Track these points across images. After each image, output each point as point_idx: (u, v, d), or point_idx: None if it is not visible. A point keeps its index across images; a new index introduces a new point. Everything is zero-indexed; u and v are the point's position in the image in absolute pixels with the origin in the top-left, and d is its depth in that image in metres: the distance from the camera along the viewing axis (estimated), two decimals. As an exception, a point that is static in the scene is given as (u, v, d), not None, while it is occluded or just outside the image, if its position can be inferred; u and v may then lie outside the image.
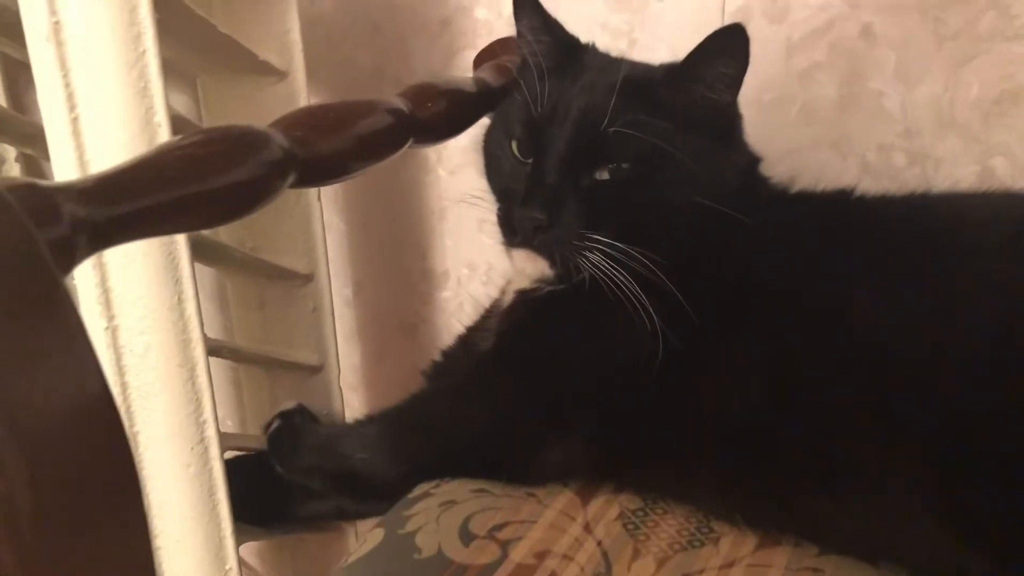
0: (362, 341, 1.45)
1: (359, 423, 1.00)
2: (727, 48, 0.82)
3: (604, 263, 0.82)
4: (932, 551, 0.70)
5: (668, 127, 0.84)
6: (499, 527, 0.78)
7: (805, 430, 0.74)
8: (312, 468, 0.96)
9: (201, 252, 0.94)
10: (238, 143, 0.65)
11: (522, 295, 0.92)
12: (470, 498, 0.83)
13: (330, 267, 1.41)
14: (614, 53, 1.00)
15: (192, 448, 0.91)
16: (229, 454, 1.02)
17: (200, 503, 0.93)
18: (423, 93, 0.86)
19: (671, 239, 0.84)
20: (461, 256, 1.34)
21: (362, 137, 0.75)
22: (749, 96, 1.11)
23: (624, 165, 0.84)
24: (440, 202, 1.32)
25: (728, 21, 1.10)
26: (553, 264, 0.86)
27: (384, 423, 0.94)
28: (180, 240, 0.85)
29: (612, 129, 0.83)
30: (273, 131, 0.69)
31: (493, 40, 1.09)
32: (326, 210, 1.37)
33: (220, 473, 0.93)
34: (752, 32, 1.11)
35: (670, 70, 0.86)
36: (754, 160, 0.94)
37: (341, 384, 1.17)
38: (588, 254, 0.83)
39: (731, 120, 0.90)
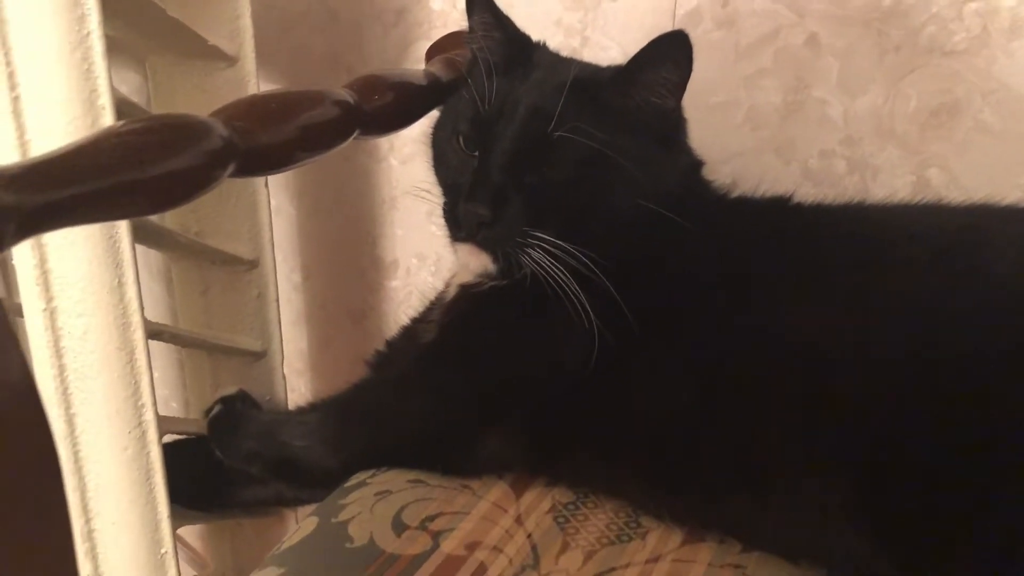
0: (309, 327, 1.45)
1: (300, 411, 1.01)
2: (670, 55, 0.84)
3: (545, 260, 0.83)
4: (848, 551, 0.73)
5: (613, 132, 0.85)
6: (432, 518, 0.80)
7: (729, 432, 0.77)
8: (252, 454, 0.97)
9: (144, 235, 0.94)
10: (178, 132, 0.65)
11: (465, 289, 0.93)
12: (405, 488, 0.84)
13: (279, 253, 1.41)
14: (566, 51, 1.01)
15: (130, 431, 0.91)
16: (169, 437, 1.02)
17: (137, 486, 0.93)
18: (370, 85, 0.86)
19: (612, 240, 0.85)
20: (411, 246, 1.35)
21: (306, 128, 0.75)
22: (696, 99, 1.14)
23: (568, 167, 0.85)
24: (391, 191, 1.32)
25: (679, 24, 1.13)
26: (495, 260, 0.88)
27: (324, 412, 0.95)
28: (122, 223, 0.85)
29: (558, 133, 0.84)
30: (214, 121, 0.69)
31: (447, 33, 1.10)
32: (277, 195, 1.37)
33: (158, 457, 0.94)
34: (700, 36, 1.14)
35: (615, 74, 0.88)
36: (696, 164, 0.96)
37: (286, 370, 1.17)
38: (530, 251, 0.84)
39: (674, 124, 0.91)
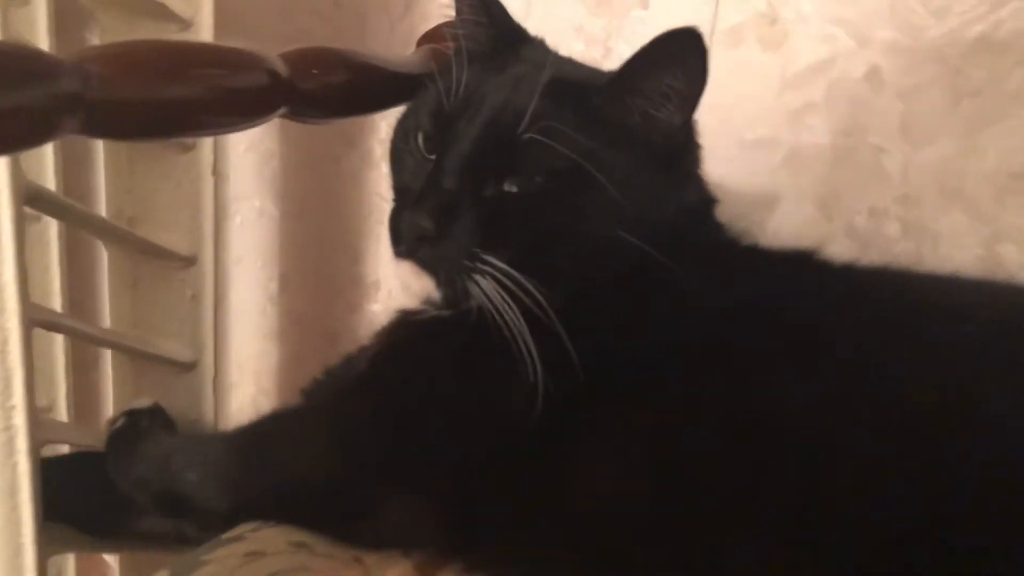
0: (281, 343, 1.31)
1: (207, 438, 0.86)
2: (677, 57, 0.68)
3: (495, 293, 0.68)
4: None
5: (597, 142, 0.70)
6: (297, 596, 0.63)
7: (684, 522, 0.59)
8: (140, 481, 0.83)
9: (43, 205, 0.80)
10: (17, 64, 0.52)
11: (404, 316, 0.77)
12: (284, 551, 0.68)
13: (258, 258, 1.28)
14: (586, 61, 0.85)
15: (-7, 435, 0.77)
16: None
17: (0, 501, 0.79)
18: (313, 59, 0.72)
19: (578, 276, 0.69)
20: (396, 268, 1.20)
21: (192, 92, 0.61)
22: (729, 131, 0.97)
23: (536, 178, 0.70)
24: (380, 202, 1.17)
25: (717, 43, 0.96)
26: (439, 283, 0.72)
27: (227, 443, 0.80)
28: (2, 186, 0.72)
29: (527, 135, 0.69)
30: (71, 62, 0.55)
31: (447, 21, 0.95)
32: (261, 194, 1.24)
33: (27, 469, 0.79)
34: (742, 58, 0.98)
35: (610, 77, 0.72)
36: (706, 200, 0.79)
37: (253, 388, 1.03)
38: (478, 278, 0.69)
39: (680, 147, 0.75)
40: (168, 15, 0.84)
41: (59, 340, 1.06)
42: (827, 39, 0.90)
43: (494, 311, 0.67)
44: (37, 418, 0.80)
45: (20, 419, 0.78)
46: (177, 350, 0.95)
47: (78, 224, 0.85)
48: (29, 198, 0.77)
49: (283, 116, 0.70)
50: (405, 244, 0.71)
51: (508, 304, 0.67)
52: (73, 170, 1.05)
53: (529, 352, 0.65)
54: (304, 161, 1.20)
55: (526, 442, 0.65)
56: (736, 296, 0.69)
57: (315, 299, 1.26)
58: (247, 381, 1.32)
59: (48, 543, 0.84)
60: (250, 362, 1.31)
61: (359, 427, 0.71)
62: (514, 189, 0.70)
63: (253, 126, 0.67)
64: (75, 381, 1.09)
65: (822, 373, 0.60)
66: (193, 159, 0.90)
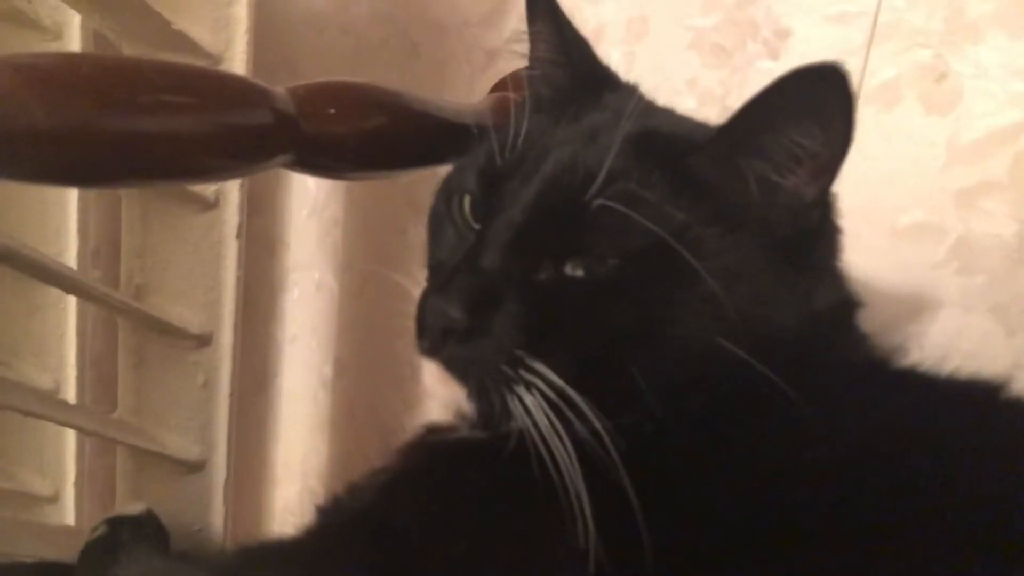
0: (332, 436, 1.14)
1: (191, 567, 0.69)
2: (811, 105, 0.50)
3: (542, 414, 0.49)
4: None
5: (693, 217, 0.51)
6: None
7: None
8: (104, 611, 0.66)
9: (18, 264, 0.66)
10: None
11: (427, 434, 0.59)
12: None
13: (313, 337, 1.13)
14: (696, 118, 0.66)
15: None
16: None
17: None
18: (332, 95, 0.56)
19: (657, 400, 0.50)
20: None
21: (153, 125, 0.46)
22: (878, 214, 0.76)
23: (609, 260, 0.51)
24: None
25: (868, 100, 0.76)
26: (469, 394, 0.54)
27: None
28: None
29: (598, 201, 0.51)
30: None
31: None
32: (320, 264, 1.09)
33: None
34: (898, 123, 0.77)
35: (717, 130, 0.53)
36: (845, 304, 0.59)
37: (299, 486, 0.86)
38: (522, 392, 0.50)
39: (811, 230, 0.55)
40: (194, 48, 0.70)
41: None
42: (1014, 99, 0.69)
43: (539, 440, 0.49)
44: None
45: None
46: (182, 446, 0.79)
47: (53, 283, 0.70)
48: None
49: (288, 166, 0.54)
50: (428, 339, 0.54)
51: (558, 434, 0.48)
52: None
53: (580, 506, 0.46)
54: (368, 231, 1.05)
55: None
56: (883, 443, 0.48)
57: (372, 387, 1.09)
58: (293, 477, 1.16)
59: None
60: (297, 457, 1.15)
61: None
62: (578, 273, 0.52)
63: (241, 174, 0.51)
64: (89, 469, 0.95)
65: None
66: (215, 219, 0.76)
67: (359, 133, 0.57)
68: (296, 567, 0.55)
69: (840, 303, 0.58)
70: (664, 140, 0.55)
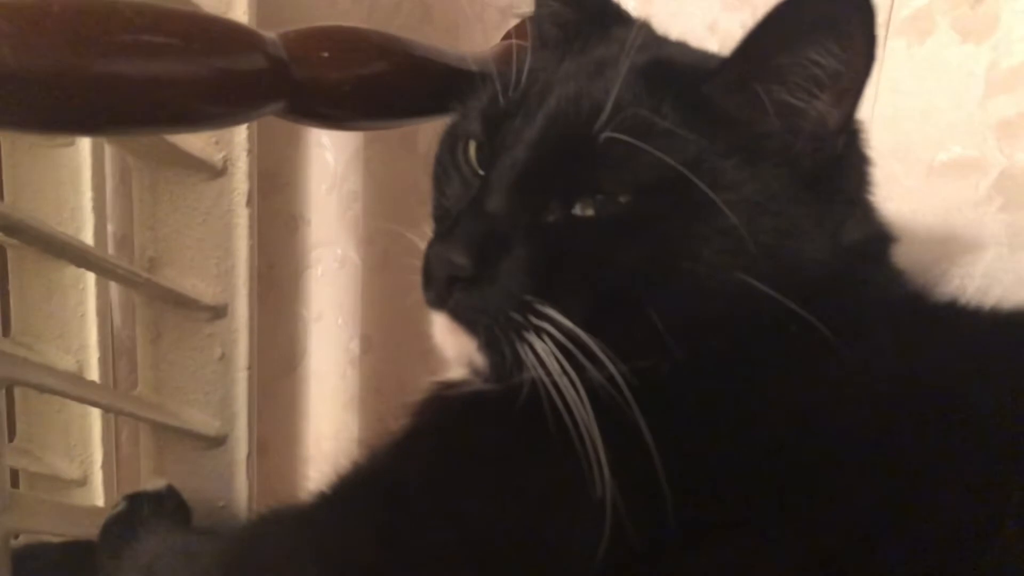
0: (361, 413, 1.12)
1: (201, 543, 0.67)
2: (828, 21, 0.47)
3: (553, 359, 0.46)
4: None
5: (708, 147, 0.48)
6: None
7: None
8: (121, 583, 0.65)
9: (23, 235, 0.65)
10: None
11: (438, 389, 0.57)
12: None
13: (340, 313, 1.12)
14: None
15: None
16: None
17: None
18: (326, 39, 0.54)
19: (675, 342, 0.47)
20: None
21: (138, 68, 0.44)
22: (913, 151, 0.72)
23: (620, 198, 0.48)
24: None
25: (898, 32, 0.72)
26: (481, 346, 0.51)
27: (216, 552, 0.61)
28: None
29: (606, 134, 0.48)
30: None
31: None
32: (341, 239, 1.08)
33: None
34: (932, 54, 0.72)
35: (730, 56, 0.50)
36: (880, 238, 0.55)
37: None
38: (532, 339, 0.48)
39: (837, 159, 0.52)
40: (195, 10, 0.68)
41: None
42: (1058, 20, 0.65)
43: (552, 389, 0.46)
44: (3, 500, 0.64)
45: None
46: (202, 421, 0.78)
47: (66, 257, 0.69)
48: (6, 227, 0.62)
49: (280, 114, 0.52)
50: (434, 289, 0.51)
51: (571, 380, 0.46)
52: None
53: (596, 454, 0.43)
54: (388, 203, 1.03)
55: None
56: (923, 374, 0.44)
57: (399, 363, 1.07)
58: (324, 456, 1.14)
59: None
60: (327, 435, 1.14)
61: (360, 553, 0.50)
62: (588, 213, 0.49)
63: (229, 123, 0.50)
64: (117, 451, 0.94)
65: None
66: (224, 187, 0.74)
67: (356, 79, 0.54)
68: (305, 528, 0.54)
69: (872, 237, 0.55)
70: (675, 69, 0.52)
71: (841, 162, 0.52)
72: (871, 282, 0.52)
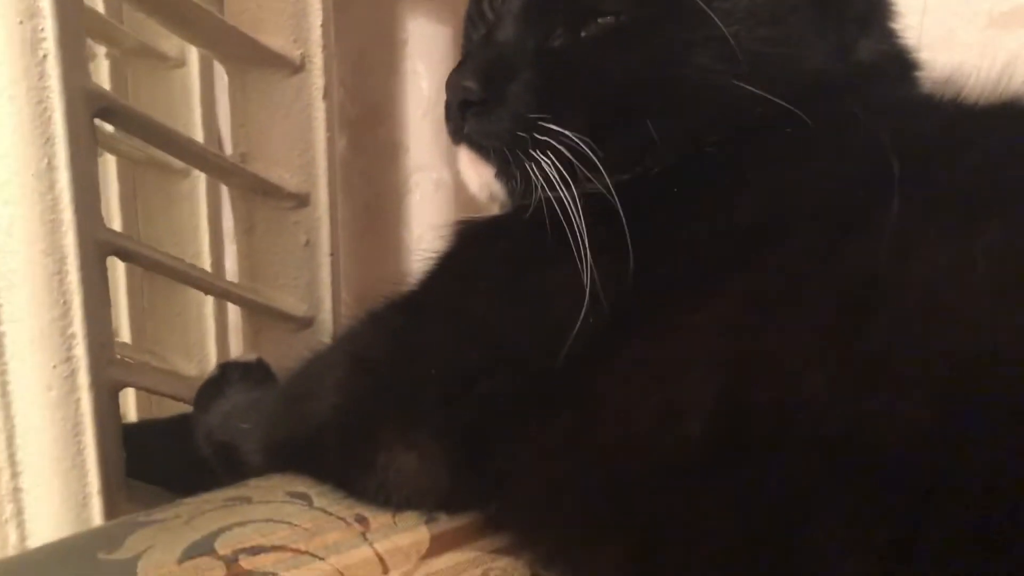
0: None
1: (272, 388, 0.74)
2: None
3: (555, 170, 0.50)
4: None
5: None
6: (253, 551, 0.47)
7: (753, 492, 0.35)
8: (209, 433, 0.72)
9: (118, 120, 0.74)
10: None
11: (461, 221, 0.60)
12: (273, 501, 0.53)
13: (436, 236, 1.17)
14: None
15: (55, 366, 0.70)
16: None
17: (61, 442, 0.72)
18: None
19: (671, 148, 0.49)
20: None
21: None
22: (968, 3, 0.70)
23: (621, 17, 0.50)
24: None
25: None
26: (497, 173, 0.55)
27: (277, 389, 0.68)
28: (54, 85, 0.66)
29: None
30: None
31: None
32: (438, 163, 1.13)
33: (90, 408, 0.71)
34: None
35: None
36: (900, 59, 0.55)
37: None
38: (537, 154, 0.51)
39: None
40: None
41: (209, 306, 1.01)
42: None
43: (554, 202, 0.49)
44: (106, 354, 0.72)
45: (80, 350, 0.70)
46: (291, 303, 0.85)
47: (162, 146, 0.78)
48: (101, 109, 0.70)
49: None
50: (452, 120, 0.55)
51: (570, 189, 0.49)
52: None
53: (584, 249, 0.46)
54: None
55: (566, 366, 0.45)
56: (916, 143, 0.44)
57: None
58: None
59: (129, 500, 0.76)
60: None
61: (377, 351, 0.55)
62: (592, 34, 0.52)
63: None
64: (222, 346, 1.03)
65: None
66: (303, 82, 0.81)
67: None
68: (343, 341, 0.59)
69: (891, 57, 0.55)
70: None
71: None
72: (882, 93, 0.52)
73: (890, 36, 0.55)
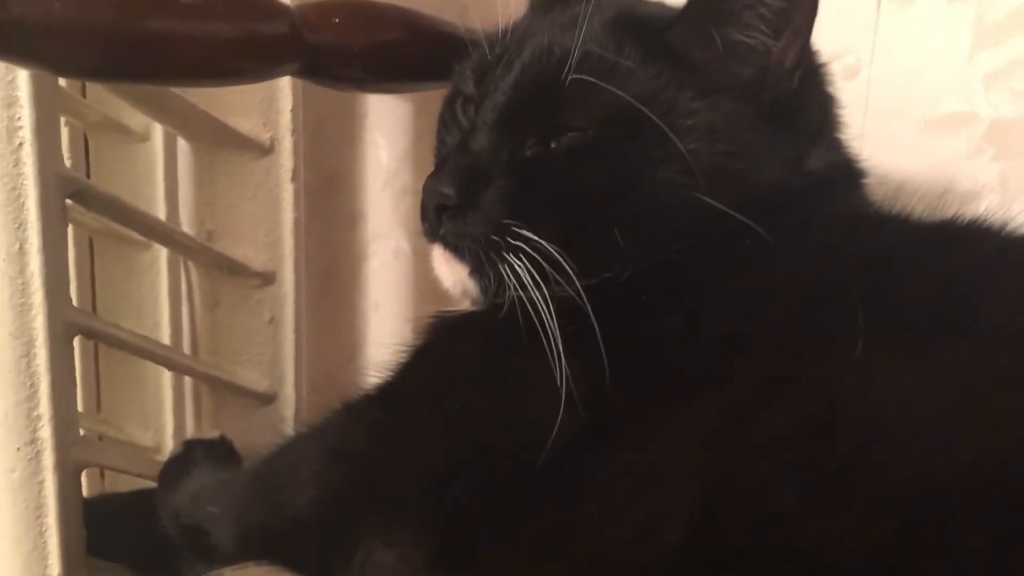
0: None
1: (241, 470, 0.75)
2: None
3: (527, 273, 0.52)
4: None
5: (664, 84, 0.54)
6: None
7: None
8: (175, 514, 0.73)
9: (90, 202, 0.75)
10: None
11: (436, 315, 0.63)
12: (252, 594, 0.54)
13: (395, 303, 1.19)
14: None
15: (18, 449, 0.70)
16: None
17: (22, 524, 0.71)
18: (342, 9, 0.61)
19: (637, 255, 0.52)
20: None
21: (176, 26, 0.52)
22: (907, 109, 0.75)
23: (589, 132, 0.54)
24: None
25: (889, -2, 0.76)
26: (472, 271, 0.57)
27: (247, 472, 0.69)
28: (28, 171, 0.67)
29: (573, 76, 0.54)
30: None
31: None
32: (396, 232, 1.15)
33: (53, 490, 0.71)
34: (920, 14, 0.76)
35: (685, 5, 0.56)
36: (847, 168, 0.60)
37: None
38: (511, 257, 0.54)
39: (795, 93, 0.56)
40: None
41: (166, 376, 1.01)
42: (1035, -27, 0.68)
43: (526, 302, 0.52)
44: (71, 434, 0.72)
45: (46, 432, 0.70)
46: (253, 379, 0.86)
47: (130, 225, 0.79)
48: (73, 192, 0.71)
49: (297, 74, 0.60)
50: (428, 221, 0.58)
51: (541, 292, 0.51)
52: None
53: (557, 348, 0.48)
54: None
55: (544, 466, 0.48)
56: (857, 264, 0.48)
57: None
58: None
59: (90, 579, 0.76)
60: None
61: (355, 445, 0.56)
62: (562, 146, 0.55)
63: (253, 79, 0.57)
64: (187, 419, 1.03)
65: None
66: (272, 164, 0.83)
67: (363, 43, 0.62)
68: (317, 434, 0.61)
69: (839, 165, 0.59)
70: (639, 19, 0.58)
71: (799, 96, 0.56)
72: (833, 203, 0.57)
73: (838, 146, 0.60)
